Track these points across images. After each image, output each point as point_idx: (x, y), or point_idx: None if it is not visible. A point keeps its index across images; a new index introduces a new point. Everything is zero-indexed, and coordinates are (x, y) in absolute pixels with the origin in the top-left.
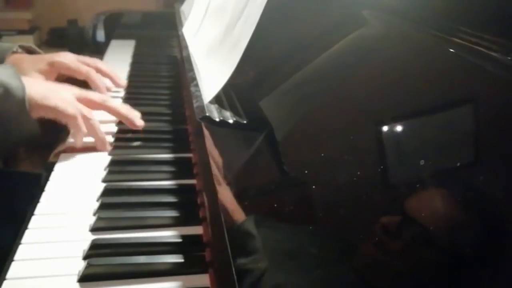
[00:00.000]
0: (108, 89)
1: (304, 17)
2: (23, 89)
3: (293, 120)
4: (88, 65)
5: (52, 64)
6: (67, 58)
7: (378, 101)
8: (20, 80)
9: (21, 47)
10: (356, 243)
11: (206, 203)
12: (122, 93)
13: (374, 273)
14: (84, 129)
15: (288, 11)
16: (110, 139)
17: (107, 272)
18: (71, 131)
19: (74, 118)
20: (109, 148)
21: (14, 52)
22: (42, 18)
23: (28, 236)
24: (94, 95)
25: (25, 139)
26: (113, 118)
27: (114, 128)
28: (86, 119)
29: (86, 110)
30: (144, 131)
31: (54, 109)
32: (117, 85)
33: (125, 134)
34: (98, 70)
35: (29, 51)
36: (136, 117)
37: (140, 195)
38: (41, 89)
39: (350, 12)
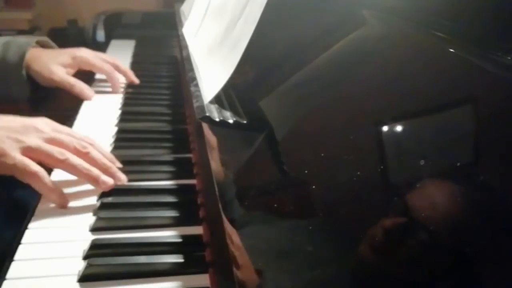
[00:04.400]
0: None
1: (304, 17)
2: None
3: (293, 120)
4: (108, 62)
5: (74, 58)
6: (89, 54)
7: (378, 101)
8: None
9: (37, 42)
10: (356, 243)
11: (206, 203)
12: (122, 94)
13: (374, 274)
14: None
15: (288, 11)
16: (110, 139)
17: (107, 272)
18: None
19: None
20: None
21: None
22: (42, 18)
23: (28, 236)
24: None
25: None
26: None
27: (114, 129)
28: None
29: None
30: (144, 131)
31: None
32: (132, 82)
33: (125, 134)
34: (116, 67)
35: (43, 45)
36: (100, 176)
37: (140, 195)
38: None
39: (350, 12)
